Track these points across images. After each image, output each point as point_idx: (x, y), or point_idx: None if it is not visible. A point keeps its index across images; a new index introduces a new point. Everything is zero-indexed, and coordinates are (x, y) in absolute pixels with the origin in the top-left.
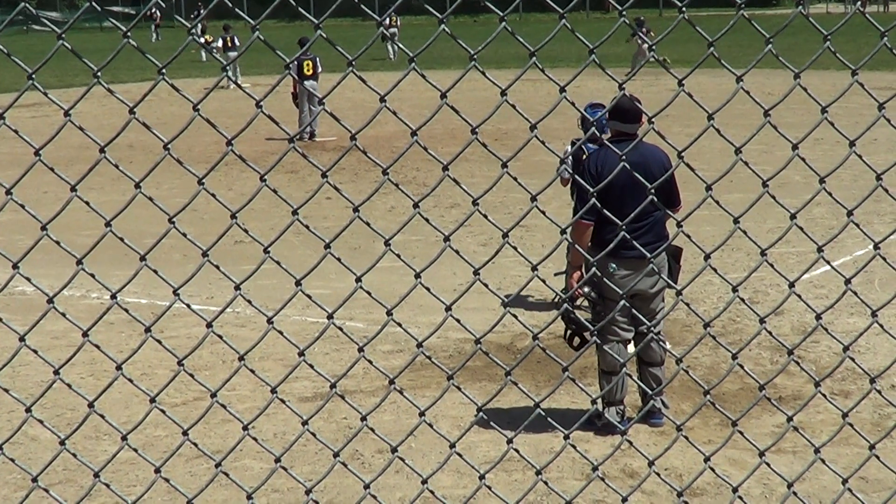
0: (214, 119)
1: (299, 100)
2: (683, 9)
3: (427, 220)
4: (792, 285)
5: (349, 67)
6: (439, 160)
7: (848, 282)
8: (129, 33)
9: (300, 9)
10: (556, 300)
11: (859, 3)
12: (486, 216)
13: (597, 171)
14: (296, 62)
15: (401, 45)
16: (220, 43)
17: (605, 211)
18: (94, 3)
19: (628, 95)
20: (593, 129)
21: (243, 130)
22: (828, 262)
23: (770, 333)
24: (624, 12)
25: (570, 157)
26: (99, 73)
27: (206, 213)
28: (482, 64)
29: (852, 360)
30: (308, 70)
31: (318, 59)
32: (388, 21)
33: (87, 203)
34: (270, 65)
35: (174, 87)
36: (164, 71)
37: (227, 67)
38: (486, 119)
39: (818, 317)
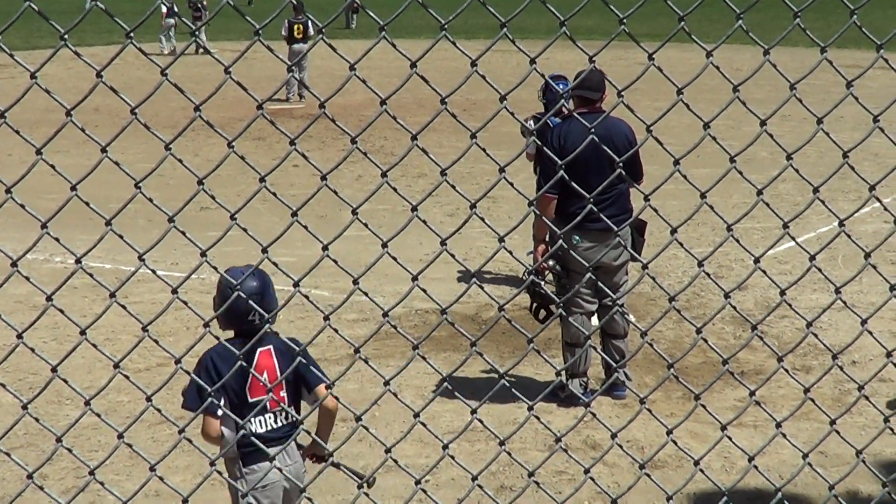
0: (182, 84)
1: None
2: None
3: (395, 189)
4: (757, 261)
5: (319, 35)
6: (408, 129)
7: (812, 258)
8: None
9: None
10: (524, 274)
11: None
12: (453, 186)
13: (560, 144)
14: (287, 23)
15: (370, 13)
16: (163, 7)
17: (578, 182)
18: None
19: (597, 68)
20: (561, 102)
21: (211, 96)
22: (793, 239)
23: (734, 308)
24: None
25: (535, 133)
26: (66, 36)
27: (172, 179)
28: (452, 34)
29: (815, 335)
30: (298, 33)
31: (309, 22)
32: None
33: (53, 167)
34: (239, 31)
35: (142, 51)
36: (131, 35)
37: (196, 32)
38: (456, 89)
39: (782, 293)
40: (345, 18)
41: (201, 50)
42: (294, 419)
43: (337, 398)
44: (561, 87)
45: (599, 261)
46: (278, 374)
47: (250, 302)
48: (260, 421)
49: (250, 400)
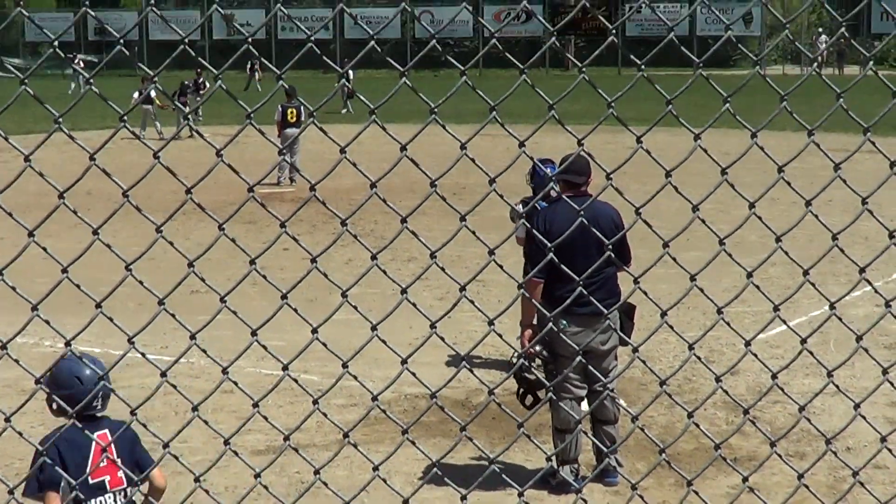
0: (174, 168)
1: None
2: (642, 67)
3: (384, 272)
4: (748, 344)
5: (310, 118)
6: (398, 213)
7: (804, 342)
8: (91, 81)
9: (262, 59)
10: (512, 358)
11: (815, 64)
12: (443, 269)
13: (545, 228)
14: (281, 108)
15: (362, 97)
16: (152, 93)
17: (560, 267)
18: (57, 50)
19: (584, 153)
20: (550, 186)
21: (202, 179)
22: (784, 322)
23: (726, 392)
24: (584, 69)
25: (524, 217)
26: (60, 119)
27: (162, 262)
28: (442, 118)
29: (808, 420)
30: (292, 118)
31: (302, 107)
32: (350, 75)
33: (45, 249)
34: (231, 115)
35: (135, 135)
36: (125, 118)
37: (188, 116)
38: (445, 172)
39: (774, 377)
40: (341, 103)
41: (194, 133)
42: (131, 499)
43: (326, 484)
44: (549, 170)
45: (588, 345)
46: (115, 456)
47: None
48: (100, 501)
49: (91, 482)
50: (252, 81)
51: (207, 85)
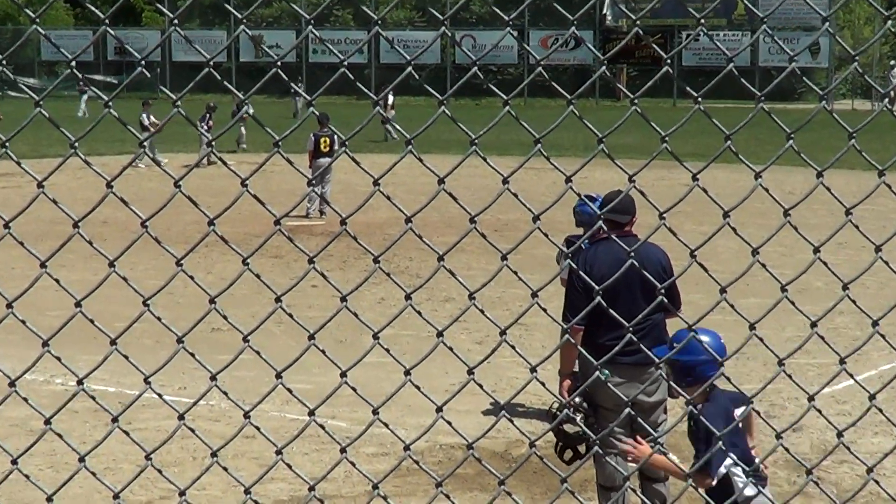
0: (196, 197)
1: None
2: (699, 99)
3: (419, 313)
4: (812, 399)
5: (342, 148)
6: (434, 250)
7: (872, 398)
8: (110, 103)
9: (293, 84)
10: (552, 408)
11: (887, 100)
12: (482, 311)
13: (585, 270)
14: (313, 137)
15: (397, 126)
16: (146, 119)
17: (605, 312)
18: (75, 70)
19: (633, 190)
20: (599, 225)
21: (226, 210)
22: (851, 376)
23: (787, 451)
24: (636, 101)
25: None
26: (76, 144)
27: (182, 297)
28: (483, 150)
29: (877, 483)
30: (325, 147)
31: (335, 136)
32: (388, 102)
33: (57, 281)
34: (257, 142)
35: (155, 161)
36: (144, 144)
37: (212, 143)
38: (486, 208)
39: (840, 434)
40: (383, 132)
41: (218, 160)
42: None
43: None
44: (595, 205)
45: (633, 398)
46: None
47: None
48: None
49: None
50: (298, 106)
51: (247, 109)
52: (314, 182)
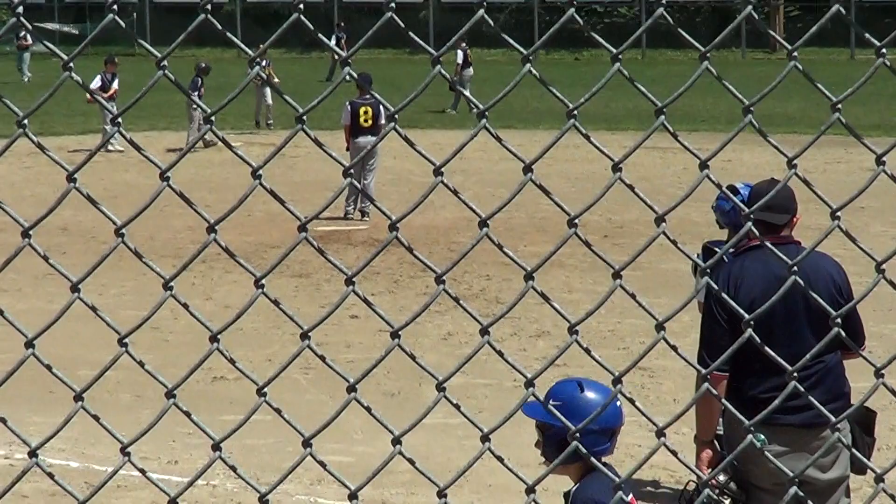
0: (190, 193)
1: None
2: (883, 50)
3: (501, 354)
4: None
5: (390, 122)
6: (521, 265)
7: None
8: (71, 64)
9: (321, 35)
10: (685, 491)
11: None
12: (588, 351)
13: (731, 292)
14: (350, 107)
15: (466, 94)
16: (97, 83)
17: (760, 352)
18: (21, 19)
19: (797, 174)
20: (747, 226)
21: (232, 211)
22: None
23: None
24: (796, 53)
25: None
26: (25, 122)
27: (171, 334)
28: (586, 123)
29: None
30: (366, 121)
31: (381, 105)
32: (459, 58)
33: (1, 312)
34: (282, 117)
35: (135, 146)
36: (119, 120)
37: (211, 119)
38: (591, 205)
39: None
40: (453, 98)
41: (216, 143)
42: None
43: None
44: (739, 199)
45: (800, 475)
46: None
47: None
48: None
49: None
50: (337, 66)
51: (260, 71)
52: (352, 171)
